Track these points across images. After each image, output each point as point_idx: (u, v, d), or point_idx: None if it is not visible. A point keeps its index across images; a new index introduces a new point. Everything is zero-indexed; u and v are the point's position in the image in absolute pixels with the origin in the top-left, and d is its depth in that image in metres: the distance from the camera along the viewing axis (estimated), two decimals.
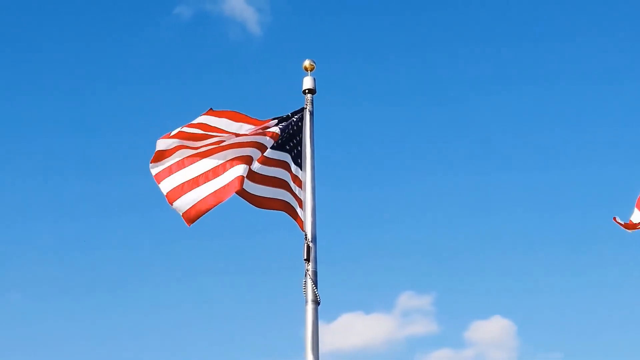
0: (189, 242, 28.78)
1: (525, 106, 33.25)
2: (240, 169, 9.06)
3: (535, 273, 30.56)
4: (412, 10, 34.08)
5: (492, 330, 29.56)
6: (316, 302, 9.04)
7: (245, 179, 9.09)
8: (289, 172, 9.80)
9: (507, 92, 33.26)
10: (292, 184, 9.75)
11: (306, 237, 9.30)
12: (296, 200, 9.66)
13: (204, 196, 9.04)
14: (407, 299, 29.73)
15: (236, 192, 9.09)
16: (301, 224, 9.45)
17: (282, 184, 9.71)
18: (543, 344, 28.29)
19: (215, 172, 9.18)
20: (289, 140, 9.81)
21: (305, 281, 9.09)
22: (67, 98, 31.50)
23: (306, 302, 9.02)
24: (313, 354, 8.84)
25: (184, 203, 9.05)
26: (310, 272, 9.11)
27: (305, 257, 9.17)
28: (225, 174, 9.12)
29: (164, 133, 9.26)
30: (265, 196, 9.62)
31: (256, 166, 9.49)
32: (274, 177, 9.69)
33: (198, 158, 9.26)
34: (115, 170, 30.01)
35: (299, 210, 9.57)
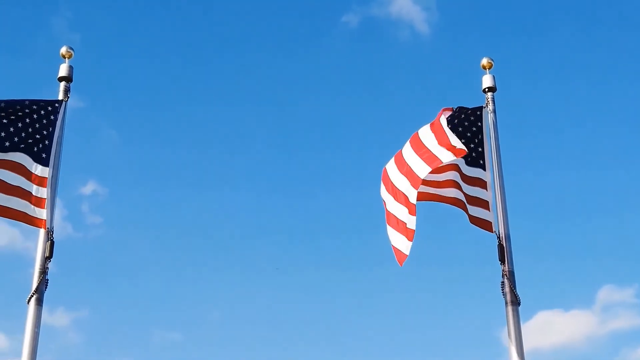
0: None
1: None
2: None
3: None
4: None
5: None
6: (516, 303, 8.86)
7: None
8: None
9: None
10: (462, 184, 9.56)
11: (499, 237, 9.15)
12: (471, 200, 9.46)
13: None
14: (607, 293, 28.51)
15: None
16: (487, 225, 9.29)
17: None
18: None
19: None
20: (467, 144, 9.64)
21: (502, 282, 8.94)
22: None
23: (506, 303, 8.86)
24: (518, 355, 8.66)
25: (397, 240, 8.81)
26: (507, 273, 8.93)
27: (499, 258, 9.01)
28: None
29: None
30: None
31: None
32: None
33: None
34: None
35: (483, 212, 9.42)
